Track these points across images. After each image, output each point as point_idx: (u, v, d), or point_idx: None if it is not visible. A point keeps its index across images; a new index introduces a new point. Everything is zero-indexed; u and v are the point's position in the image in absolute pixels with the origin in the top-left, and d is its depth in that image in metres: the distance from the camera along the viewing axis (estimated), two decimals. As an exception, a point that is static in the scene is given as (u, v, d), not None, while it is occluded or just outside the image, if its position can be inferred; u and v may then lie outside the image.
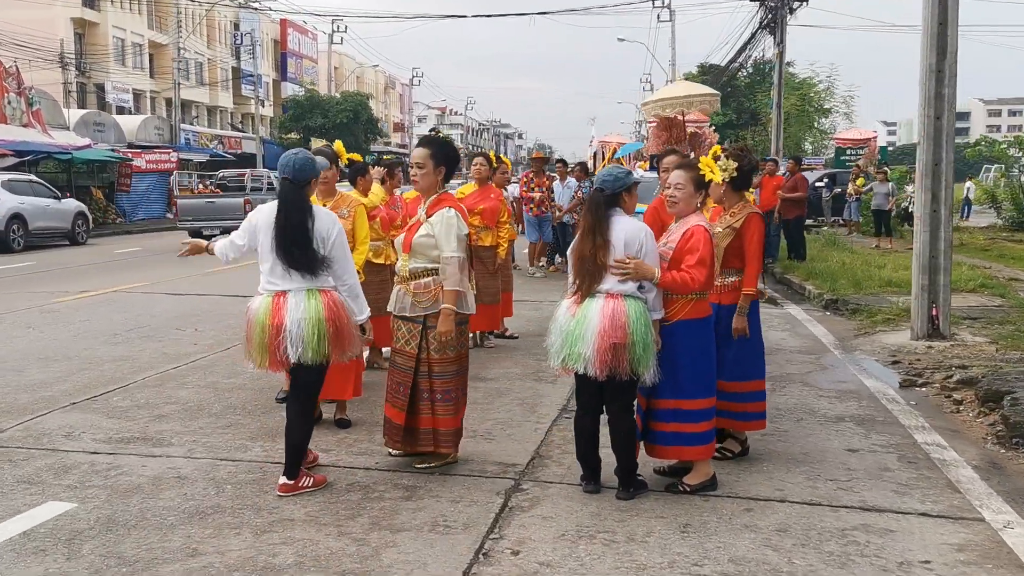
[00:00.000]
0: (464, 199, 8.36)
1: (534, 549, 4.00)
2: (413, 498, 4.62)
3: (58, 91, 37.14)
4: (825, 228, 24.44)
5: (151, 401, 6.63)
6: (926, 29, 8.80)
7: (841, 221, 25.63)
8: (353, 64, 69.26)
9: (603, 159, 29.82)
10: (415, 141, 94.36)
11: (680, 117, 16.63)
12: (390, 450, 5.24)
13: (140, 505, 4.52)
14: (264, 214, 4.73)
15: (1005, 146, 26.88)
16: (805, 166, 24.48)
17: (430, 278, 4.83)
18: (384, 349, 7.52)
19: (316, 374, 4.70)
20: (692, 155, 15.88)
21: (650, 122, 19.07)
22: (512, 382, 7.27)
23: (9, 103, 28.33)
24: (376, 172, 7.68)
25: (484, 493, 4.69)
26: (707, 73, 40.05)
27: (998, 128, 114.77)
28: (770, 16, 25.27)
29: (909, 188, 20.19)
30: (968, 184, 33.45)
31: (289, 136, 51.94)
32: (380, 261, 7.42)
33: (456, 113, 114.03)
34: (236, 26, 55.47)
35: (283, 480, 4.67)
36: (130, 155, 33.08)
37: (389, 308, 5.02)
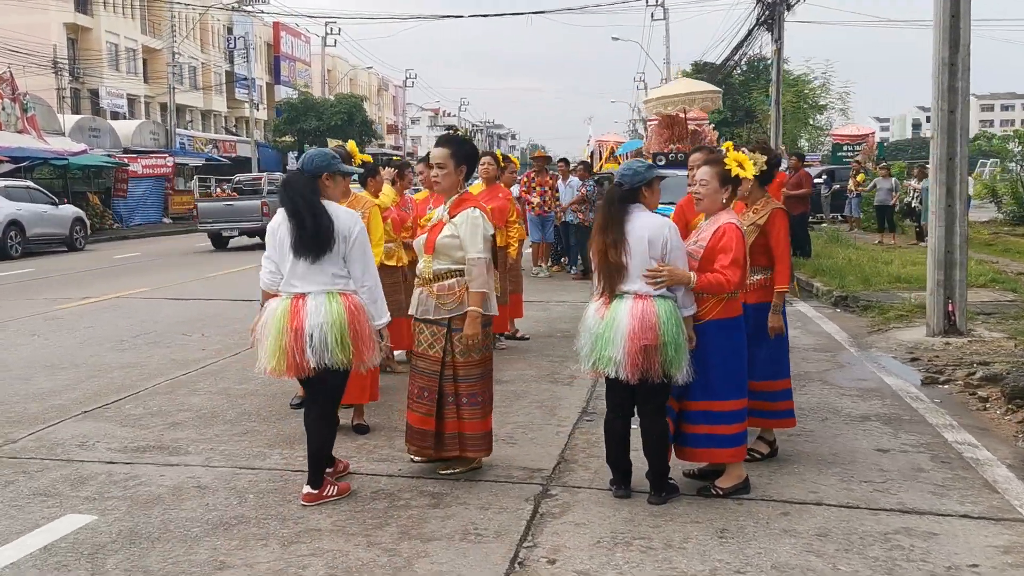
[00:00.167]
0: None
1: (570, 557, 3.90)
2: (440, 505, 4.52)
3: (52, 97, 36.97)
4: (825, 224, 24.40)
5: (164, 408, 6.52)
6: (938, 22, 8.72)
7: (841, 217, 25.59)
8: (346, 66, 69.12)
9: (600, 158, 29.84)
10: (408, 143, 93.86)
11: (682, 115, 16.59)
12: (412, 456, 5.13)
13: (162, 516, 4.41)
14: (278, 214, 4.62)
15: (1004, 141, 26.82)
16: (806, 163, 24.39)
17: (454, 279, 4.72)
18: (396, 352, 7.42)
19: (339, 379, 4.58)
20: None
21: (650, 120, 19.06)
22: (528, 384, 7.16)
23: (3, 109, 28.13)
24: (387, 173, 7.58)
25: (513, 499, 4.59)
26: (701, 71, 39.99)
27: (991, 123, 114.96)
28: (767, 13, 25.23)
29: (912, 183, 20.08)
30: (968, 179, 33.36)
31: (284, 139, 51.80)
32: (392, 263, 7.30)
33: (449, 114, 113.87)
34: (229, 30, 55.38)
35: (307, 489, 4.55)
36: (126, 160, 32.92)
37: (411, 311, 4.91)
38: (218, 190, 25.41)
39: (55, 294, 13.29)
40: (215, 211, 22.71)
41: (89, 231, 24.68)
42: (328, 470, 4.71)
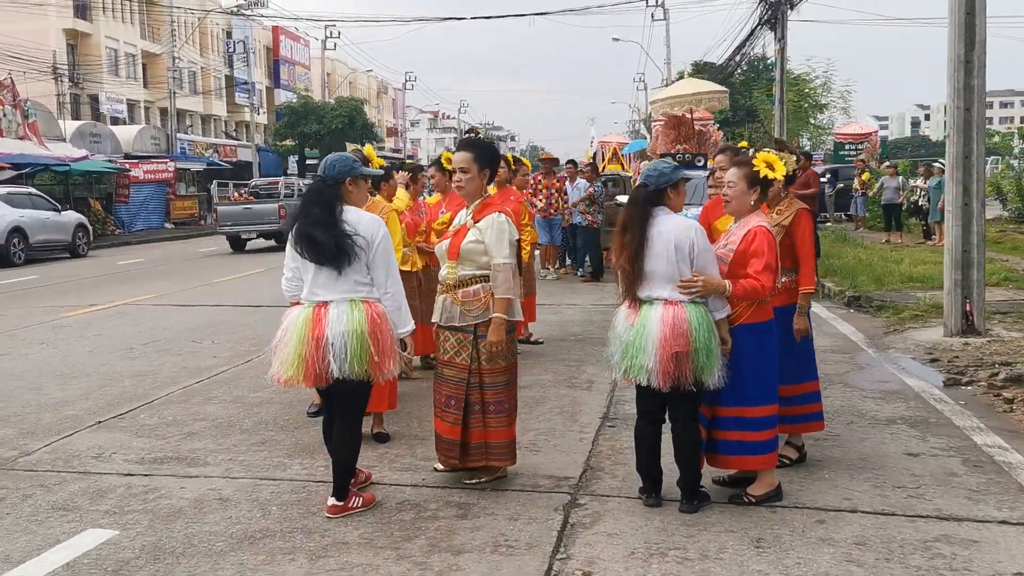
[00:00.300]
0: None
1: (606, 569, 3.81)
2: (468, 516, 4.43)
3: (51, 103, 36.91)
4: (830, 224, 24.31)
5: (179, 418, 6.43)
6: (953, 20, 8.64)
7: (846, 216, 25.52)
8: (346, 70, 69.03)
9: (604, 159, 29.76)
10: (408, 145, 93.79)
11: (688, 115, 16.51)
12: (435, 465, 5.05)
13: (185, 530, 4.32)
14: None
15: (1009, 138, 26.75)
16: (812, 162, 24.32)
17: (479, 285, 4.63)
18: (413, 359, 7.33)
19: (361, 390, 4.49)
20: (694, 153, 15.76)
21: (656, 120, 18.97)
22: (546, 390, 7.07)
23: (4, 116, 28.06)
24: (400, 177, 7.50)
25: (541, 509, 4.50)
26: (702, 71, 39.92)
27: (990, 120, 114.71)
28: (770, 12, 25.16)
29: (919, 181, 20.01)
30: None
31: (284, 143, 51.71)
32: (407, 268, 7.20)
33: (449, 117, 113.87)
34: (228, 34, 55.31)
35: (332, 501, 4.47)
36: (127, 165, 32.84)
37: (434, 319, 4.82)
38: (236, 194, 26.30)
39: (61, 301, 13.21)
40: (234, 214, 23.41)
41: (91, 237, 24.60)
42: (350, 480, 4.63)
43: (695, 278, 4.23)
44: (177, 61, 41.52)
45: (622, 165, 28.40)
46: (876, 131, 37.01)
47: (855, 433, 5.76)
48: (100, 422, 6.36)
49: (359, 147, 6.89)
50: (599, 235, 14.69)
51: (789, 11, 23.78)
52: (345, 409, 4.51)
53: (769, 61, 42.18)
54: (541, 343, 8.97)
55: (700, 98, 15.78)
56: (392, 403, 5.88)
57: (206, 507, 4.63)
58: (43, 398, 7.14)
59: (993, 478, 4.85)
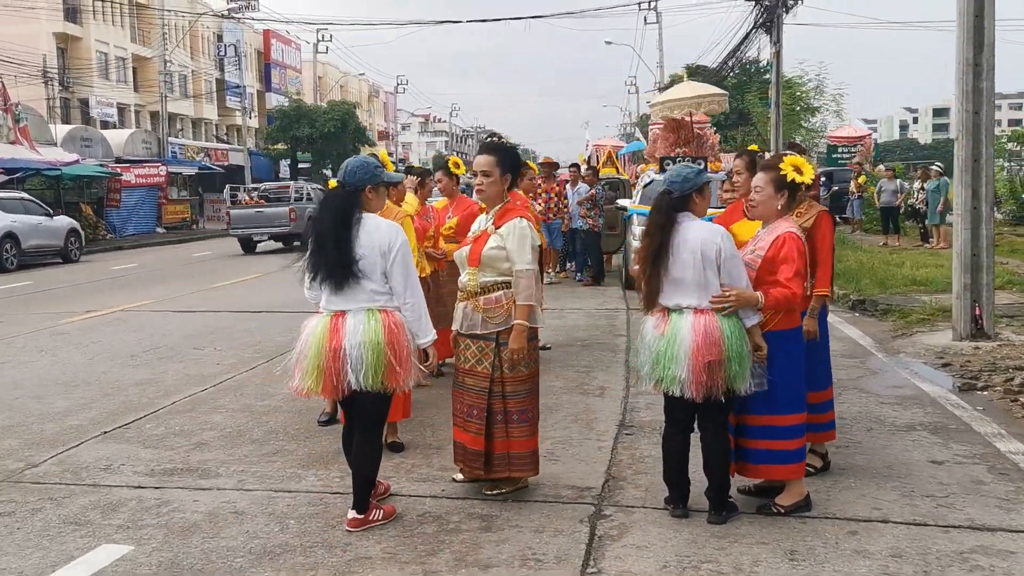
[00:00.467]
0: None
1: (639, 584, 3.72)
2: (492, 529, 4.33)
3: (42, 107, 36.62)
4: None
5: (186, 428, 6.31)
6: (962, 23, 8.60)
7: (841, 219, 25.50)
8: (337, 74, 68.87)
9: (598, 162, 29.68)
10: (399, 149, 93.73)
11: (688, 118, 16.44)
12: (455, 476, 4.95)
13: (202, 546, 4.21)
14: None
15: (1004, 141, 26.86)
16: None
17: (501, 292, 4.54)
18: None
19: (381, 401, 4.37)
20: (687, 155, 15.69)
21: (654, 123, 18.90)
22: (559, 396, 6.98)
23: (-5, 120, 27.84)
24: (409, 182, 7.40)
25: (566, 521, 4.41)
26: (695, 75, 39.91)
27: (1000, 123, 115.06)
28: (765, 15, 25.16)
29: (916, 184, 20.01)
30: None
31: (276, 147, 51.49)
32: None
33: (440, 120, 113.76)
34: (219, 37, 55.04)
35: (352, 514, 4.35)
36: (119, 170, 32.61)
37: (455, 327, 4.72)
38: (247, 198, 26.83)
39: (58, 308, 13.04)
40: (246, 217, 24.24)
41: (84, 242, 24.39)
42: (368, 492, 4.52)
43: (727, 294, 4.14)
44: (168, 65, 41.29)
45: (617, 169, 28.32)
46: (870, 134, 37.10)
47: (876, 440, 5.68)
48: (106, 432, 6.24)
49: (374, 152, 6.77)
50: (599, 239, 14.62)
51: (785, 14, 23.83)
52: (365, 421, 4.39)
53: (762, 65, 42.29)
54: (548, 348, 8.88)
55: (700, 101, 15.71)
56: (406, 412, 5.77)
57: (221, 521, 4.52)
58: (46, 408, 7.01)
59: (1022, 486, 4.77)
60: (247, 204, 25.83)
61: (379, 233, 4.29)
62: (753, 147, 5.48)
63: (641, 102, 59.09)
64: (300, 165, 50.30)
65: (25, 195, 23.41)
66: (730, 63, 33.52)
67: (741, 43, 28.35)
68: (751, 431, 4.41)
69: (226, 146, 52.02)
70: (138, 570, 3.95)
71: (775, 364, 4.34)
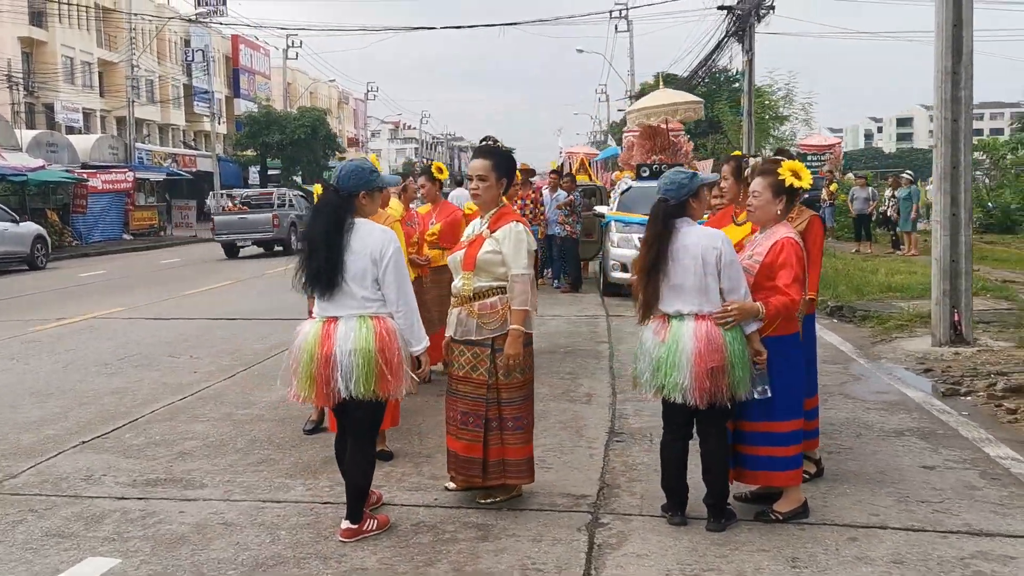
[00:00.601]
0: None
1: (642, 593, 3.67)
2: (489, 538, 4.26)
3: (7, 112, 36.03)
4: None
5: (167, 437, 6.17)
6: (940, 32, 8.69)
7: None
8: (307, 80, 68.44)
9: (572, 169, 29.74)
10: (370, 155, 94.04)
11: (664, 125, 16.52)
12: (447, 484, 4.88)
13: (191, 558, 4.09)
14: None
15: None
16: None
17: (496, 297, 4.48)
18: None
19: (374, 409, 4.28)
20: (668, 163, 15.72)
21: (629, 131, 18.94)
22: (546, 403, 6.91)
23: (-41, 124, 27.32)
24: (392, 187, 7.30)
25: (564, 529, 4.35)
26: (667, 83, 40.15)
27: (980, 132, 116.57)
28: (736, 25, 25.37)
29: (887, 192, 20.26)
30: (929, 187, 33.82)
31: (246, 153, 51.04)
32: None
33: (410, 127, 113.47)
34: (187, 42, 54.51)
35: (346, 524, 4.26)
36: (85, 176, 32.13)
37: (448, 333, 4.65)
38: (229, 204, 27.65)
39: (27, 315, 12.77)
40: (230, 223, 24.64)
41: (50, 249, 23.98)
42: (360, 501, 4.43)
43: (728, 308, 4.12)
44: (135, 70, 40.78)
45: (590, 176, 28.39)
46: (839, 143, 37.46)
47: (866, 446, 5.68)
48: (84, 442, 6.08)
49: (365, 157, 6.68)
50: (578, 246, 14.61)
51: (757, 23, 24.05)
52: (356, 430, 4.30)
53: (731, 74, 42.63)
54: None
55: (676, 108, 15.79)
56: (395, 420, 5.67)
57: (210, 532, 4.41)
58: (20, 417, 6.83)
59: (1015, 491, 4.79)
60: (230, 211, 26.22)
61: (372, 239, 4.21)
62: (737, 152, 5.47)
63: (612, 109, 59.34)
64: (270, 172, 49.89)
65: (-10, 201, 22.99)
66: (700, 72, 33.74)
67: (713, 51, 28.53)
68: (749, 437, 4.38)
69: (194, 152, 51.52)
70: (127, 584, 3.84)
71: (774, 370, 4.31)
